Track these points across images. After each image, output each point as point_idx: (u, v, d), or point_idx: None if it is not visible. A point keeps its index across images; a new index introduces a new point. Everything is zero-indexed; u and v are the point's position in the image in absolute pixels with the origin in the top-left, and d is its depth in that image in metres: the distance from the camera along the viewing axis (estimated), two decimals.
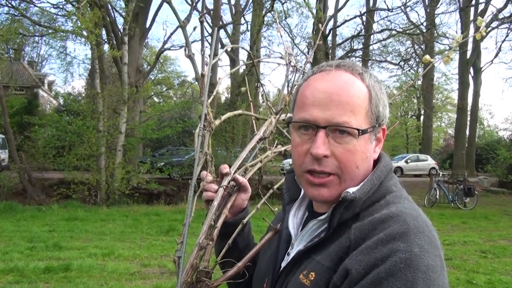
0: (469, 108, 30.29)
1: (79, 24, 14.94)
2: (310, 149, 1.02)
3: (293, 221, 1.18)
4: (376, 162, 1.11)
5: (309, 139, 1.03)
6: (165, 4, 22.03)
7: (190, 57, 1.35)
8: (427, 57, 1.33)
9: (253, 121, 1.70)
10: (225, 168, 1.31)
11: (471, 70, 30.46)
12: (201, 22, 1.33)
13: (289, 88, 1.52)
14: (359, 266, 0.89)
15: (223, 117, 1.50)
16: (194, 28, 1.46)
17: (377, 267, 0.87)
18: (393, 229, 0.91)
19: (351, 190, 1.00)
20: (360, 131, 1.00)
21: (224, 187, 1.29)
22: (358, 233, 0.95)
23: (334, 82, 1.03)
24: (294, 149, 1.08)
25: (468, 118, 30.38)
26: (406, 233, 0.89)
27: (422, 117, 42.03)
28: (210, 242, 1.19)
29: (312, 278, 0.98)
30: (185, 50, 1.34)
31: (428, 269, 0.86)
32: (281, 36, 1.70)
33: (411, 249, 0.86)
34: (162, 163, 20.08)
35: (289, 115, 1.56)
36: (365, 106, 1.03)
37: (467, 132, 30.17)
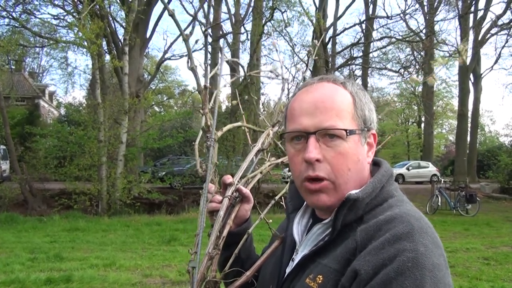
0: (469, 114, 30.30)
1: (81, 35, 15.04)
2: (303, 155, 1.06)
3: (297, 228, 1.20)
4: (374, 168, 1.14)
5: (302, 148, 1.07)
6: (165, 14, 22.15)
7: (193, 69, 1.36)
8: (414, 77, 1.40)
9: (247, 133, 1.71)
10: (228, 178, 1.33)
11: (471, 76, 30.53)
12: (205, 36, 1.34)
13: (287, 100, 1.54)
14: (368, 267, 0.90)
15: (225, 129, 1.51)
16: (196, 41, 1.48)
17: (385, 267, 0.88)
18: (398, 229, 0.93)
19: (354, 191, 1.03)
20: (348, 131, 1.05)
21: (229, 197, 1.31)
22: (364, 234, 0.98)
23: (318, 92, 1.10)
24: (290, 160, 1.12)
25: (469, 125, 30.38)
26: (411, 233, 0.92)
27: (422, 124, 42.07)
28: (218, 252, 1.20)
29: (320, 281, 0.99)
30: (187, 62, 1.36)
31: (434, 268, 0.88)
32: (277, 50, 1.74)
33: (417, 248, 0.89)
34: (163, 173, 20.09)
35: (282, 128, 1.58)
36: (350, 110, 1.08)
37: (468, 139, 30.18)
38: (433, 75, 1.37)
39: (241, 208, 1.35)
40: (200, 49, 18.97)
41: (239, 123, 1.68)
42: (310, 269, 1.05)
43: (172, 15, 1.49)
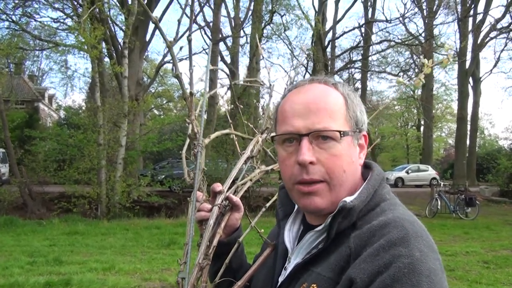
0: (469, 118, 30.30)
1: (81, 39, 15.04)
2: (296, 157, 1.03)
3: (288, 235, 1.17)
4: (365, 170, 1.12)
5: (294, 150, 1.04)
6: (165, 17, 22.17)
7: (178, 76, 1.36)
8: (400, 79, 1.41)
9: (235, 141, 1.70)
10: (218, 186, 1.30)
11: (471, 80, 30.54)
12: (189, 41, 1.34)
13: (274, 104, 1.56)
14: (364, 275, 0.89)
15: (212, 136, 1.50)
16: (181, 48, 1.48)
17: (381, 274, 0.87)
18: (392, 235, 0.91)
19: (348, 199, 1.00)
20: (342, 133, 1.02)
21: (219, 205, 1.28)
22: (357, 241, 0.96)
23: (309, 93, 1.07)
24: (281, 164, 1.09)
25: (468, 128, 30.39)
26: (405, 238, 0.90)
27: (422, 128, 42.02)
28: (209, 262, 1.18)
29: None
30: (172, 69, 1.36)
31: (430, 273, 0.86)
32: (263, 57, 1.78)
33: (412, 254, 0.87)
34: (163, 176, 20.03)
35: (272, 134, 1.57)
36: (342, 111, 1.06)
37: (468, 142, 30.17)
38: (420, 77, 1.37)
39: (231, 217, 1.31)
40: (200, 52, 18.93)
41: (227, 131, 1.67)
42: (304, 278, 1.02)
43: (155, 22, 1.49)
